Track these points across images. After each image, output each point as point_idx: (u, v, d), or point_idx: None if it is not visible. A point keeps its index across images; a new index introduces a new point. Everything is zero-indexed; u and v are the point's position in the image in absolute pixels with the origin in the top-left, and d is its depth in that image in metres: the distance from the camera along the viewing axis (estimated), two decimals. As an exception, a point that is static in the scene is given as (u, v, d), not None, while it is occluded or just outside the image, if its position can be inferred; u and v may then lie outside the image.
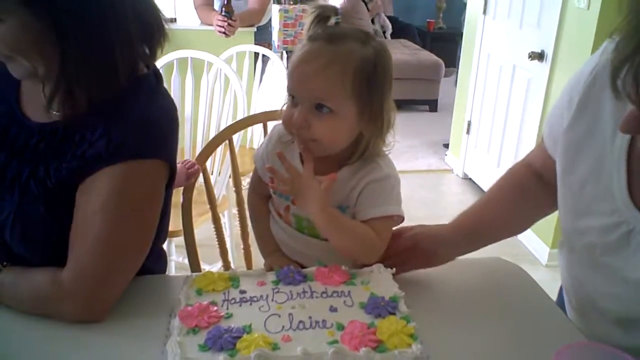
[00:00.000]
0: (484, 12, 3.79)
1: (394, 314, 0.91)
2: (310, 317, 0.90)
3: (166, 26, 1.09)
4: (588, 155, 0.96)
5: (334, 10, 1.04)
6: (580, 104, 0.97)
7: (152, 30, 1.07)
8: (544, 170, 1.13)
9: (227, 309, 0.92)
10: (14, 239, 1.01)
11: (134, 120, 1.01)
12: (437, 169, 4.34)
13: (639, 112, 0.73)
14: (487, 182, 3.78)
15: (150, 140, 1.02)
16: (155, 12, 1.07)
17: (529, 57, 3.11)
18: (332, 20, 1.03)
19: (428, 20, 7.28)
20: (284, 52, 3.89)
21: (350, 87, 0.98)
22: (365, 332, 0.86)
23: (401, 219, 1.08)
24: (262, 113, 1.54)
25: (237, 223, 1.86)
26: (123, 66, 1.00)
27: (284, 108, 1.05)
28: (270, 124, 1.43)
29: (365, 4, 6.40)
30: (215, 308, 0.92)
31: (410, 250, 1.12)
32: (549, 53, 2.99)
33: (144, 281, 1.09)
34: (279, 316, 0.90)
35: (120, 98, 1.01)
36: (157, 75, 1.11)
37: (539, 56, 3.07)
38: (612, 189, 0.92)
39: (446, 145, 4.63)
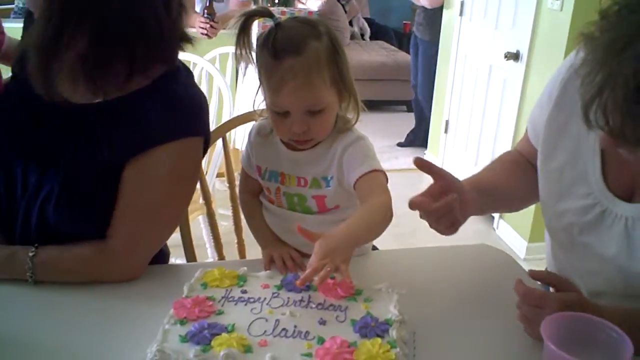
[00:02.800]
0: (461, 13, 3.88)
1: (381, 336, 0.88)
2: (295, 326, 0.91)
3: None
4: (566, 144, 1.06)
5: (265, 11, 1.12)
6: (557, 99, 1.07)
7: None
8: (530, 158, 1.22)
9: (222, 305, 0.96)
10: (57, 210, 1.06)
11: (181, 102, 1.11)
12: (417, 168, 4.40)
13: (609, 137, 0.80)
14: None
15: (196, 119, 1.13)
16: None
17: (504, 57, 3.20)
18: (272, 23, 1.11)
19: (404, 22, 7.37)
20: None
21: (329, 80, 1.10)
22: (342, 350, 0.84)
23: (386, 176, 1.14)
24: (252, 112, 1.59)
25: (224, 223, 1.90)
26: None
27: (268, 119, 1.18)
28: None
29: (343, 7, 6.47)
30: (211, 303, 0.95)
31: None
32: (524, 53, 3.08)
33: (163, 268, 1.21)
34: (266, 320, 0.92)
35: (163, 84, 1.11)
36: (185, 68, 1.19)
37: (515, 56, 3.16)
38: (587, 174, 1.02)
39: (400, 144, 4.79)
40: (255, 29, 1.17)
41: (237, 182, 1.44)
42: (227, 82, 2.47)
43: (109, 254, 1.08)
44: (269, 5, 6.65)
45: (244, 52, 1.12)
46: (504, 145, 3.29)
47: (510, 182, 1.23)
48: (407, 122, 5.01)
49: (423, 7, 4.34)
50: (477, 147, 3.72)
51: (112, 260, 1.08)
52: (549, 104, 1.09)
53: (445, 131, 4.16)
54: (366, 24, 7.03)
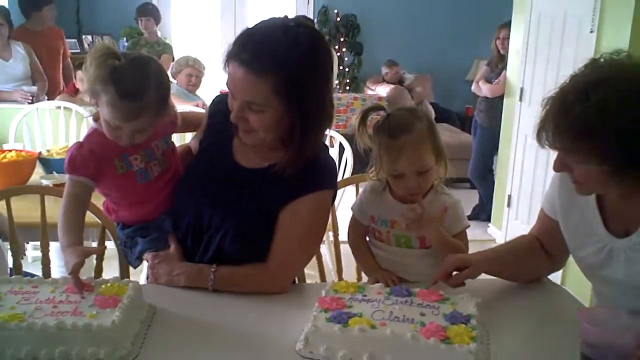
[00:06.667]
0: (520, 99, 4.30)
1: (465, 324, 1.23)
2: (404, 315, 1.28)
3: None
4: (575, 207, 1.46)
5: (378, 106, 1.59)
6: (561, 175, 1.45)
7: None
8: (544, 233, 1.61)
9: (351, 303, 1.35)
10: (233, 242, 1.49)
11: (323, 165, 1.54)
12: (481, 239, 4.72)
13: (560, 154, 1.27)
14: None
15: (331, 177, 1.57)
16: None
17: (562, 137, 3.55)
18: (383, 113, 1.57)
19: (466, 106, 7.84)
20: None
21: (430, 149, 1.52)
22: (438, 330, 1.19)
23: (469, 226, 1.60)
24: (357, 176, 2.06)
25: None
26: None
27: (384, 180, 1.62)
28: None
29: (409, 92, 7.01)
30: (342, 301, 1.34)
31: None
32: (579, 133, 3.43)
33: (300, 285, 1.68)
34: (383, 311, 1.30)
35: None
36: (324, 142, 1.62)
37: (571, 136, 3.50)
38: (593, 226, 1.41)
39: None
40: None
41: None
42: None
43: (267, 273, 1.50)
44: (340, 92, 7.28)
45: (363, 136, 1.58)
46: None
47: (518, 265, 1.64)
48: (470, 198, 5.34)
49: (485, 96, 4.82)
50: (538, 219, 4.00)
51: (269, 278, 1.51)
52: (555, 182, 1.52)
53: (508, 205, 4.49)
54: (431, 108, 7.50)
